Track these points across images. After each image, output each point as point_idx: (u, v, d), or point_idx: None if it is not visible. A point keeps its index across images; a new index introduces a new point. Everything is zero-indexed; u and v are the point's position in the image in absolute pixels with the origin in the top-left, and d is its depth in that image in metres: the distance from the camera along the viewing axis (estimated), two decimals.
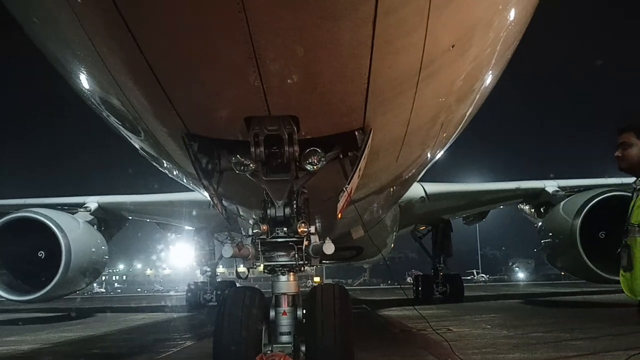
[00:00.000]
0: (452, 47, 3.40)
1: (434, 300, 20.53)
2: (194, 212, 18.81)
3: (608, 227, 14.40)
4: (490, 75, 4.38)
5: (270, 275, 4.88)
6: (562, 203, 16.22)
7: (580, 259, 14.55)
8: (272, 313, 4.74)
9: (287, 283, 4.78)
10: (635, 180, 4.19)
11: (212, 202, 5.02)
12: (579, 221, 14.45)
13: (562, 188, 18.08)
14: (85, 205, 18.71)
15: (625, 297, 4.20)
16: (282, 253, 4.70)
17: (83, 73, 3.86)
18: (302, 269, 4.84)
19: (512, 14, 3.59)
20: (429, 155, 6.04)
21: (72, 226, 16.05)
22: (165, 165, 5.90)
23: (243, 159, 4.32)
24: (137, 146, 5.41)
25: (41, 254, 15.70)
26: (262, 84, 3.33)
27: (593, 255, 14.39)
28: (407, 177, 7.22)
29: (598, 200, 14.53)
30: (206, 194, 4.98)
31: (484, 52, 3.79)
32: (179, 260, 43.00)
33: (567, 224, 14.95)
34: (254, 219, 5.20)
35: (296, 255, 4.68)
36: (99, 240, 17.45)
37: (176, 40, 3.02)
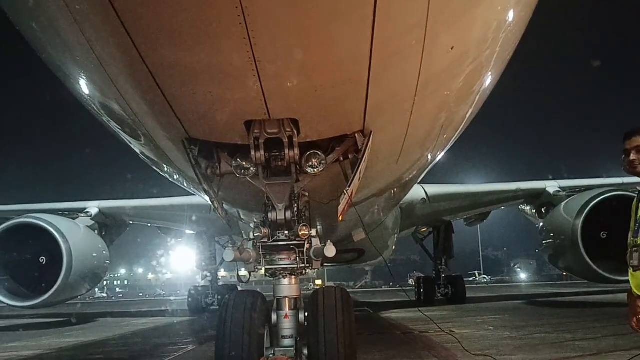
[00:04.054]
0: (452, 48, 3.40)
1: (436, 301, 20.50)
2: (195, 216, 18.79)
3: (609, 227, 14.40)
4: (490, 76, 4.38)
5: (271, 279, 4.88)
6: (563, 203, 16.21)
7: (582, 259, 14.53)
8: (273, 316, 4.74)
9: (288, 286, 4.78)
10: None
11: (213, 206, 5.02)
12: (580, 221, 14.43)
13: (563, 188, 18.08)
14: (86, 211, 18.71)
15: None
16: (284, 256, 4.70)
17: (83, 78, 3.86)
18: (304, 272, 4.84)
19: (511, 15, 3.59)
20: (429, 157, 6.03)
21: (73, 231, 16.03)
22: (165, 169, 5.90)
23: (243, 163, 4.32)
24: (137, 151, 5.41)
25: (42, 259, 15.69)
26: (261, 88, 3.33)
27: (595, 256, 14.37)
28: (408, 179, 7.22)
29: (599, 201, 14.51)
30: (207, 198, 4.97)
31: (484, 53, 3.79)
32: (180, 264, 43.07)
33: (568, 225, 14.93)
34: (255, 222, 5.20)
35: (297, 258, 4.68)
36: (100, 245, 17.43)
37: (176, 45, 3.02)
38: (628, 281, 4.23)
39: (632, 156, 4.25)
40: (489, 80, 4.43)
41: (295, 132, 3.96)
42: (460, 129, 5.38)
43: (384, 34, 3.02)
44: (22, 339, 12.97)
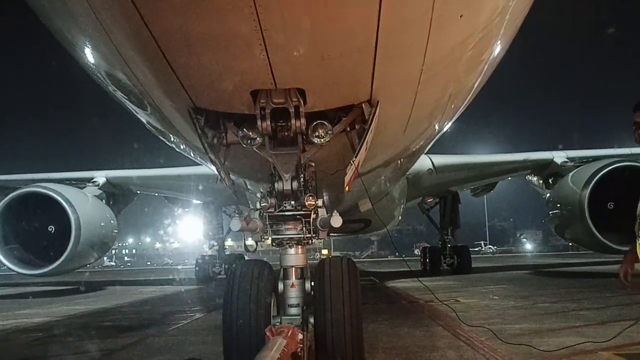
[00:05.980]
0: (461, 17, 3.34)
1: (442, 271, 20.63)
2: (202, 186, 18.84)
3: (617, 198, 14.35)
4: (500, 45, 4.31)
5: (278, 248, 4.91)
6: (570, 174, 16.14)
7: (588, 229, 14.53)
8: (280, 286, 4.78)
9: (295, 256, 4.81)
10: None
11: (219, 176, 5.02)
12: (587, 192, 14.38)
13: (571, 159, 18.00)
14: (94, 180, 18.81)
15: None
16: (290, 226, 4.71)
17: (88, 47, 3.83)
18: (310, 241, 4.86)
19: None
20: (436, 127, 5.99)
21: (81, 201, 16.15)
22: (172, 139, 5.89)
23: (250, 133, 4.30)
24: (143, 120, 5.39)
25: (51, 228, 15.86)
26: (267, 57, 3.29)
27: (601, 226, 14.37)
28: (414, 149, 7.18)
29: (607, 171, 14.42)
30: (213, 168, 4.97)
31: (493, 21, 3.73)
32: (187, 233, 43.39)
33: (575, 195, 14.89)
34: (261, 192, 5.19)
35: (304, 228, 4.69)
36: (108, 215, 17.57)
37: (181, 13, 2.98)
38: None
39: None
40: (498, 49, 4.36)
41: (302, 101, 3.93)
42: (468, 98, 5.33)
43: (392, 1, 2.97)
44: (33, 307, 13.18)
